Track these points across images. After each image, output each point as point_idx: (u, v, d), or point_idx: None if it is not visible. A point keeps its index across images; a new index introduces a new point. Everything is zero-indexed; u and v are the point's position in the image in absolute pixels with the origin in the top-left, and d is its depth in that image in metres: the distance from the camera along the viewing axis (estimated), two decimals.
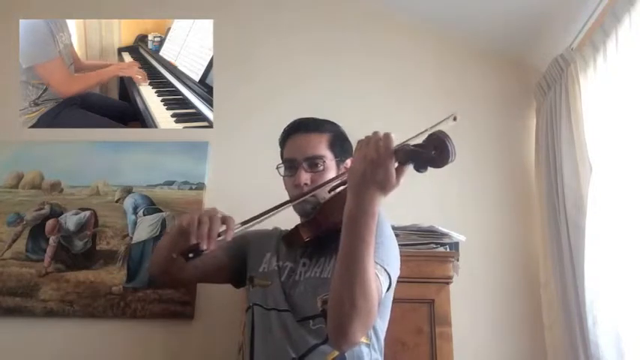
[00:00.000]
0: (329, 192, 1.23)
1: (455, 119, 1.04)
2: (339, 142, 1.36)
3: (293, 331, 1.19)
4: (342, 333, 1.01)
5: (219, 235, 1.09)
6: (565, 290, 1.77)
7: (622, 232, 1.56)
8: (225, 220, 1.11)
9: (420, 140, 0.93)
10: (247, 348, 1.27)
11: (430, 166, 0.89)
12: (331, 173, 1.30)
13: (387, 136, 0.93)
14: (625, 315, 1.52)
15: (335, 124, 1.40)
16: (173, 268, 1.28)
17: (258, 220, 1.18)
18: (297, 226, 1.30)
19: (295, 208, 1.30)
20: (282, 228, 1.47)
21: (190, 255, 1.09)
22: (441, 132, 0.88)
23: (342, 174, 1.24)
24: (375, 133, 0.95)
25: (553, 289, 1.86)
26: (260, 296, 1.30)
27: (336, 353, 1.15)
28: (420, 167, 0.89)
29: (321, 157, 1.31)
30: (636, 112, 1.53)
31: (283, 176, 1.35)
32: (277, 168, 1.37)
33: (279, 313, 1.23)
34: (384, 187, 0.92)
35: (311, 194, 1.24)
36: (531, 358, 1.95)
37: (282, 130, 1.40)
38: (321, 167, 1.30)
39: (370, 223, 0.95)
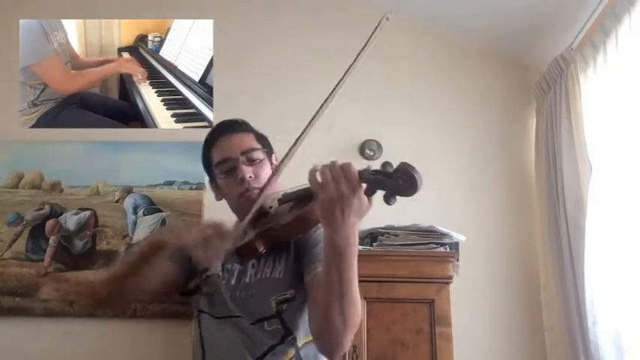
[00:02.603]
0: (279, 202, 1.20)
1: (387, 19, 1.05)
2: (263, 138, 1.38)
3: (248, 334, 1.18)
4: (339, 348, 1.06)
5: None
6: (565, 290, 1.77)
7: (622, 232, 1.56)
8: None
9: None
10: (199, 356, 1.24)
11: (399, 196, 0.88)
12: (267, 165, 1.31)
13: (348, 166, 0.91)
14: (625, 315, 1.52)
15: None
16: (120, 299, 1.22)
17: None
18: (251, 240, 1.22)
19: (241, 208, 1.26)
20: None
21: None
22: (404, 163, 0.87)
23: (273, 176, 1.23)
24: (332, 165, 0.92)
25: (553, 290, 1.86)
26: (207, 303, 1.27)
27: (293, 353, 1.16)
28: (389, 198, 0.88)
29: (256, 149, 1.31)
30: (636, 112, 1.53)
31: (220, 179, 1.33)
32: (210, 182, 1.39)
33: (229, 319, 1.22)
34: (361, 213, 0.93)
35: (259, 205, 1.19)
36: (531, 358, 1.95)
37: (205, 140, 1.38)
38: (261, 156, 1.31)
39: (354, 250, 0.97)
